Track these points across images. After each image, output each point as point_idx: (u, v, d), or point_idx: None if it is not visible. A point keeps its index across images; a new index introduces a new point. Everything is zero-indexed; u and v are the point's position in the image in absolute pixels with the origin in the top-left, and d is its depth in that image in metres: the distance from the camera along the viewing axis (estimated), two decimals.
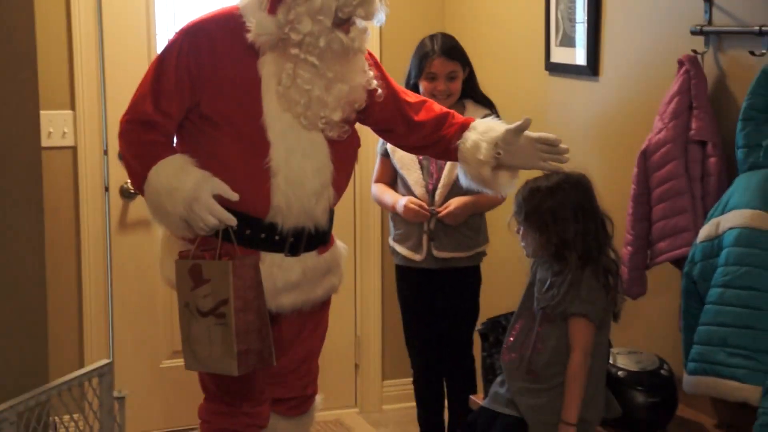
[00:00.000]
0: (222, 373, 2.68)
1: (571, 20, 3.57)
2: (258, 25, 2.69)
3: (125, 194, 4.15)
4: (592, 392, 2.68)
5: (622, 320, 2.76)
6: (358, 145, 3.00)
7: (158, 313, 4.26)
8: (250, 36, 2.70)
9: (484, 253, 3.73)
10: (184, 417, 4.24)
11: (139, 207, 4.16)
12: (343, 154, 2.87)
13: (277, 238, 2.76)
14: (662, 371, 2.84)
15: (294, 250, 2.81)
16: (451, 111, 3.05)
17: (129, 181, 4.10)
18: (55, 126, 4.00)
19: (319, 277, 2.88)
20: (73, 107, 4.03)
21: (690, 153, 2.83)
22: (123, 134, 2.75)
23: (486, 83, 3.81)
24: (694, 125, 2.81)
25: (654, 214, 2.90)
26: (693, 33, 2.89)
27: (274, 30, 2.69)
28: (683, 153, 2.83)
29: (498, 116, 3.30)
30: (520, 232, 2.76)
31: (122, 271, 4.17)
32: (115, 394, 2.77)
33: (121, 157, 2.77)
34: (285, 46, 2.72)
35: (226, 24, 2.75)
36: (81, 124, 4.04)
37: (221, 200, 2.67)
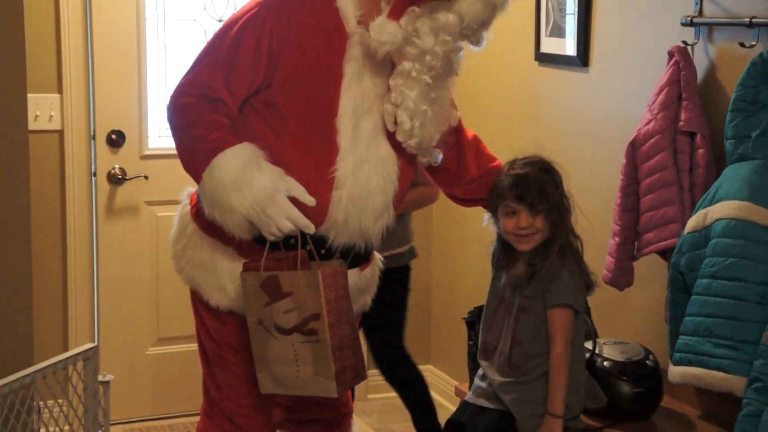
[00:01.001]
0: (315, 395, 2.46)
1: (562, 11, 3.57)
2: (382, 30, 2.41)
3: (112, 180, 4.13)
4: (575, 378, 2.68)
5: (609, 311, 2.77)
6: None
7: (144, 300, 4.25)
8: (373, 42, 2.42)
9: (407, 255, 3.56)
10: (169, 405, 4.24)
11: (126, 193, 4.15)
12: (407, 172, 2.63)
13: (323, 252, 2.52)
14: (648, 362, 2.85)
15: None
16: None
17: (118, 166, 4.10)
18: (41, 109, 3.97)
19: (356, 295, 2.65)
20: (60, 90, 4.00)
21: (678, 144, 2.83)
22: (183, 107, 2.43)
23: (476, 75, 3.81)
24: (683, 116, 2.81)
25: (642, 205, 2.90)
26: (683, 24, 2.89)
27: (400, 40, 2.42)
28: (672, 144, 2.84)
29: None
30: (529, 221, 2.63)
31: (108, 256, 4.16)
32: (100, 378, 2.76)
33: (174, 130, 2.47)
34: (391, 55, 2.47)
35: (314, 3, 2.47)
36: (68, 107, 4.01)
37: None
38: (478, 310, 3.05)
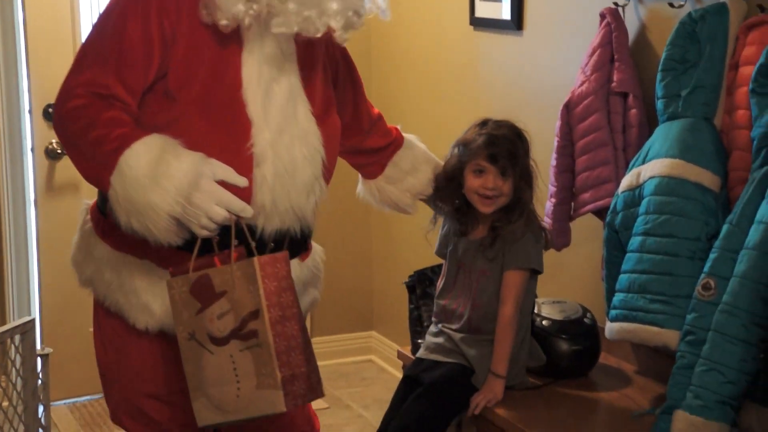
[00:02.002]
0: (262, 415, 2.09)
1: None
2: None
3: (51, 155, 4.07)
4: (521, 338, 2.72)
5: (547, 271, 2.80)
6: (338, 126, 2.48)
7: None
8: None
9: None
10: None
11: (65, 167, 4.09)
12: (332, 136, 2.38)
13: (254, 244, 2.16)
14: (585, 320, 2.89)
15: None
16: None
17: (56, 141, 4.04)
18: None
19: (300, 290, 2.32)
20: None
21: (612, 105, 2.87)
22: (74, 111, 2.11)
23: (411, 40, 3.81)
24: (615, 77, 2.84)
25: (577, 166, 2.94)
26: None
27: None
28: (605, 105, 2.87)
29: None
30: (495, 182, 2.64)
31: (49, 232, 4.09)
32: (39, 351, 2.74)
33: (68, 141, 2.16)
34: None
35: None
36: (2, 81, 3.94)
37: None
38: (418, 274, 3.07)
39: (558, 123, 2.97)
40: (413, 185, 2.75)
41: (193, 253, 2.09)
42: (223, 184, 2.10)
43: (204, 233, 2.06)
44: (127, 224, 2.09)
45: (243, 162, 2.17)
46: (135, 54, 2.14)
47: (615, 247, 2.73)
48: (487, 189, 2.64)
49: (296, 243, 2.33)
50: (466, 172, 2.68)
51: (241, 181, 2.12)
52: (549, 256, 2.92)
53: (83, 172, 2.16)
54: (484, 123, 2.72)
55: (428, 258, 3.02)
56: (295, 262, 2.32)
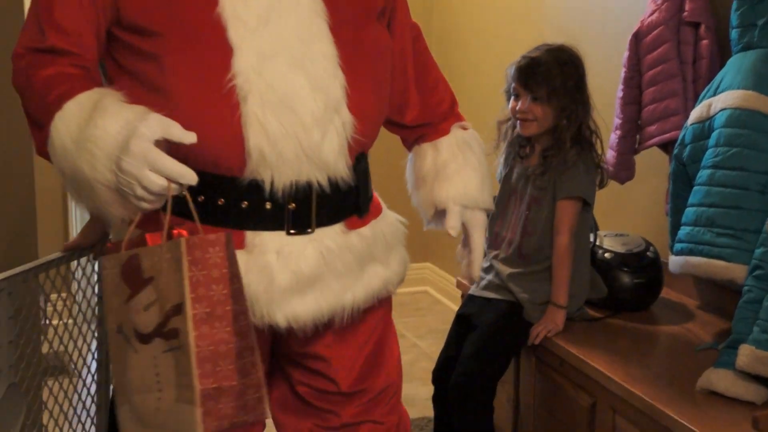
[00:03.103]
0: None
1: None
2: None
3: None
4: (579, 270, 2.71)
5: (609, 205, 2.79)
6: (390, 46, 1.94)
7: None
8: None
9: None
10: None
11: None
12: (365, 56, 1.83)
13: (268, 205, 1.75)
14: (648, 253, 2.87)
15: (300, 223, 1.78)
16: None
17: None
18: None
19: (353, 267, 1.84)
20: None
21: (682, 35, 2.80)
22: (18, 79, 1.75)
23: None
24: (687, 6, 2.77)
25: (644, 98, 2.88)
26: None
27: None
28: (675, 35, 2.80)
29: None
30: (527, 106, 2.69)
31: None
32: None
33: (26, 116, 1.78)
34: None
35: None
36: None
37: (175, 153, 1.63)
38: None
39: (626, 53, 2.91)
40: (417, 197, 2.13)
41: (132, 223, 1.65)
42: (171, 145, 1.62)
43: (144, 206, 1.60)
44: (80, 203, 1.71)
45: (225, 100, 1.70)
46: None
47: (682, 180, 2.69)
48: (519, 112, 2.70)
49: (330, 202, 1.80)
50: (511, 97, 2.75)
51: (187, 137, 1.60)
52: (612, 190, 2.90)
53: (35, 142, 1.76)
54: (537, 47, 2.73)
55: None
56: (335, 229, 1.82)
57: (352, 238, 1.84)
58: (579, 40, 3.41)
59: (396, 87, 2.00)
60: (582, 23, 3.46)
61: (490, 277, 2.79)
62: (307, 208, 1.78)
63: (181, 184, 1.59)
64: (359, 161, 1.85)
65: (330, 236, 1.81)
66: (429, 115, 2.07)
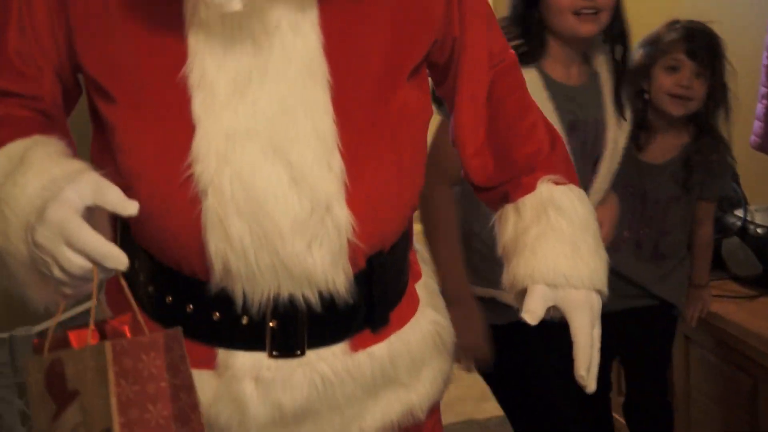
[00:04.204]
0: None
1: None
2: None
3: None
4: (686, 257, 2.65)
5: (758, 178, 2.66)
6: (428, 114, 1.47)
7: None
8: None
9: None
10: None
11: None
12: (383, 130, 1.36)
13: (245, 320, 1.33)
14: None
15: (286, 344, 1.35)
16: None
17: None
18: None
19: (359, 397, 1.40)
20: None
21: None
22: None
23: None
24: None
25: None
26: None
27: None
28: None
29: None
30: (687, 75, 2.42)
31: None
32: None
33: None
34: None
35: None
36: None
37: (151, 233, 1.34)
38: None
39: None
40: None
41: (56, 315, 1.24)
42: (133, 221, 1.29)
43: (66, 291, 1.21)
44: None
45: (182, 191, 1.28)
46: (9, 20, 1.37)
47: None
48: (681, 86, 2.41)
49: (330, 320, 1.35)
50: (655, 71, 2.46)
51: (128, 208, 1.17)
52: (760, 162, 2.77)
53: None
54: (675, 21, 2.53)
55: None
56: (334, 351, 1.37)
57: (359, 361, 1.39)
58: (720, 5, 3.28)
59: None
60: None
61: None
62: (293, 327, 1.34)
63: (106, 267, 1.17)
64: (373, 263, 1.37)
65: (327, 359, 1.36)
66: (508, 170, 1.52)
